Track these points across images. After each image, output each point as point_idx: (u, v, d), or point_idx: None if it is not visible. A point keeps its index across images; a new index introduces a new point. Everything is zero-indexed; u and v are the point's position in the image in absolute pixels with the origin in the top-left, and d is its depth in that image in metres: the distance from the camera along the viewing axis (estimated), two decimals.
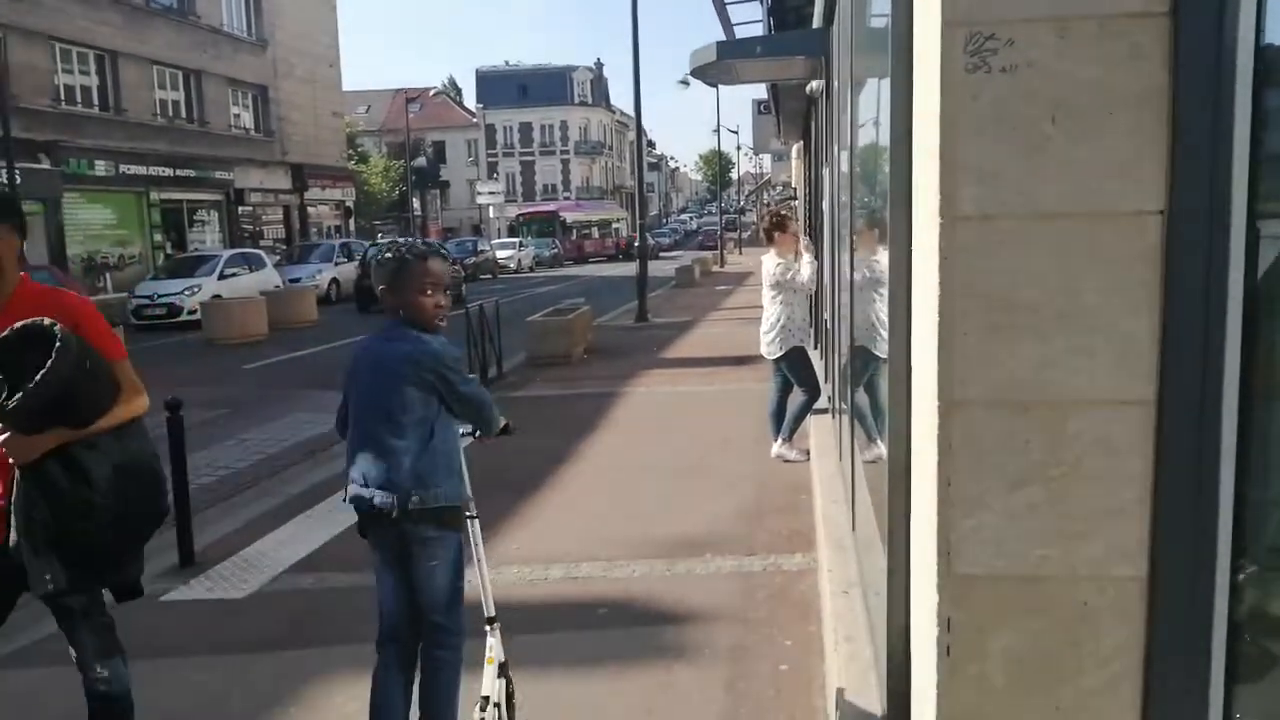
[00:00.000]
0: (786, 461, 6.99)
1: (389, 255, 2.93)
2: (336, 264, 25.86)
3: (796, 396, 7.07)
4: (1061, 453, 1.81)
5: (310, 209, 34.01)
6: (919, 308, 2.09)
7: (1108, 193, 1.76)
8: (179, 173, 27.21)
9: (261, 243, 30.93)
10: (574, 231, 51.79)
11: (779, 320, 6.97)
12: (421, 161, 53.04)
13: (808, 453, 6.83)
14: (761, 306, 7.25)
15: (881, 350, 3.96)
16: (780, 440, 7.11)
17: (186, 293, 20.70)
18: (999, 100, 1.77)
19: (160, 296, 20.79)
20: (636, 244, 20.35)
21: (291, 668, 4.00)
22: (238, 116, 30.63)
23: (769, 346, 7.07)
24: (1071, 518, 1.82)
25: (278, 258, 26.49)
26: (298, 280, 23.77)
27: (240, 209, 30.03)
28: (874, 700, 2.75)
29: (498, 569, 5.02)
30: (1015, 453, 1.83)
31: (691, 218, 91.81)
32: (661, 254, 47.80)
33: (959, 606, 1.87)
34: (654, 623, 4.28)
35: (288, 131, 32.12)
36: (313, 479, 7.31)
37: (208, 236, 29.09)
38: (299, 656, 4.12)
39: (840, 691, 2.96)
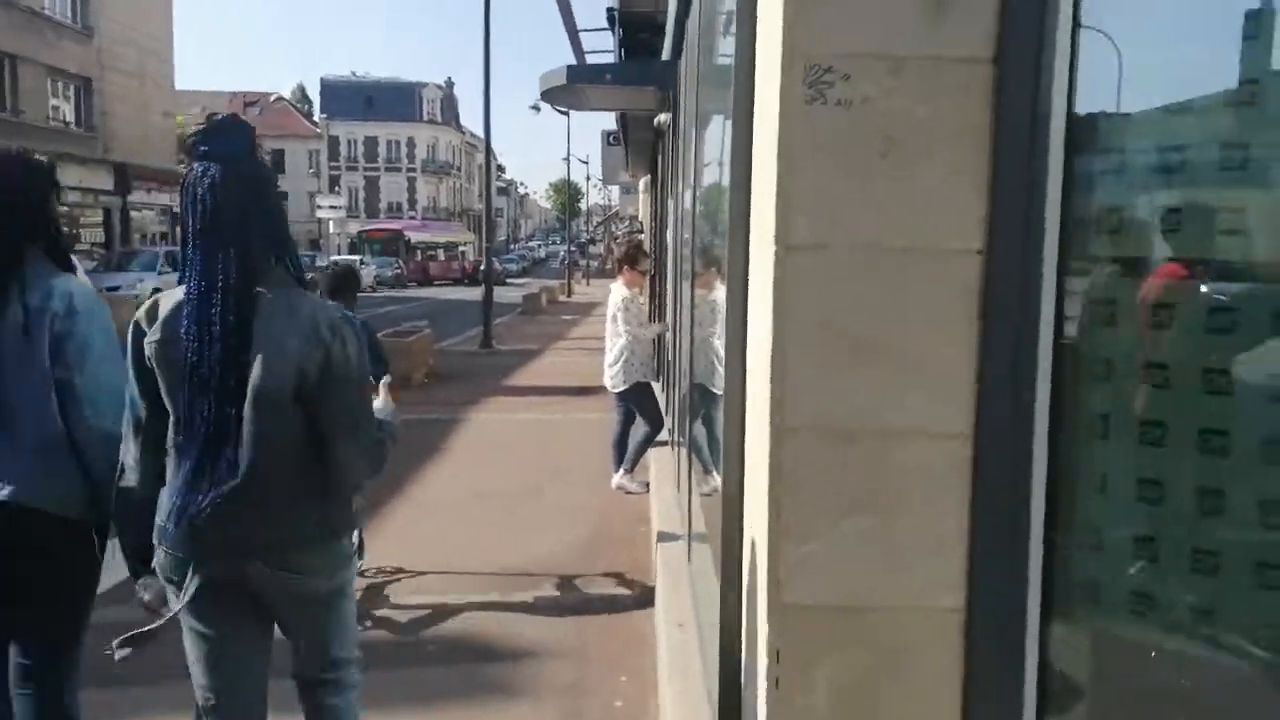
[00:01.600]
0: (627, 493, 6.98)
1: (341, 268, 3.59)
2: (160, 273, 24.42)
3: (639, 428, 7.08)
4: (886, 483, 1.84)
5: (134, 213, 31.99)
6: (754, 335, 2.10)
7: (932, 229, 1.80)
8: None
9: (79, 246, 28.92)
10: (419, 252, 50.77)
11: (623, 354, 6.98)
12: None
13: (648, 485, 6.84)
14: (605, 338, 7.26)
15: (719, 385, 4.01)
16: (621, 471, 7.10)
17: None
18: (834, 132, 1.80)
19: None
20: (483, 268, 20.09)
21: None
22: (57, 108, 28.62)
23: (613, 379, 7.06)
24: (896, 548, 1.84)
25: (94, 264, 24.82)
26: (116, 289, 22.29)
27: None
28: None
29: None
30: (844, 483, 1.84)
31: (540, 245, 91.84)
32: (509, 280, 47.47)
33: (787, 637, 1.87)
34: (487, 660, 4.15)
35: (112, 128, 30.17)
36: None
37: None
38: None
39: None
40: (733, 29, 2.58)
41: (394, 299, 33.69)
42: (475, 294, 21.48)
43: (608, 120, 19.10)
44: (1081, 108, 1.75)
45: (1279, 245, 1.60)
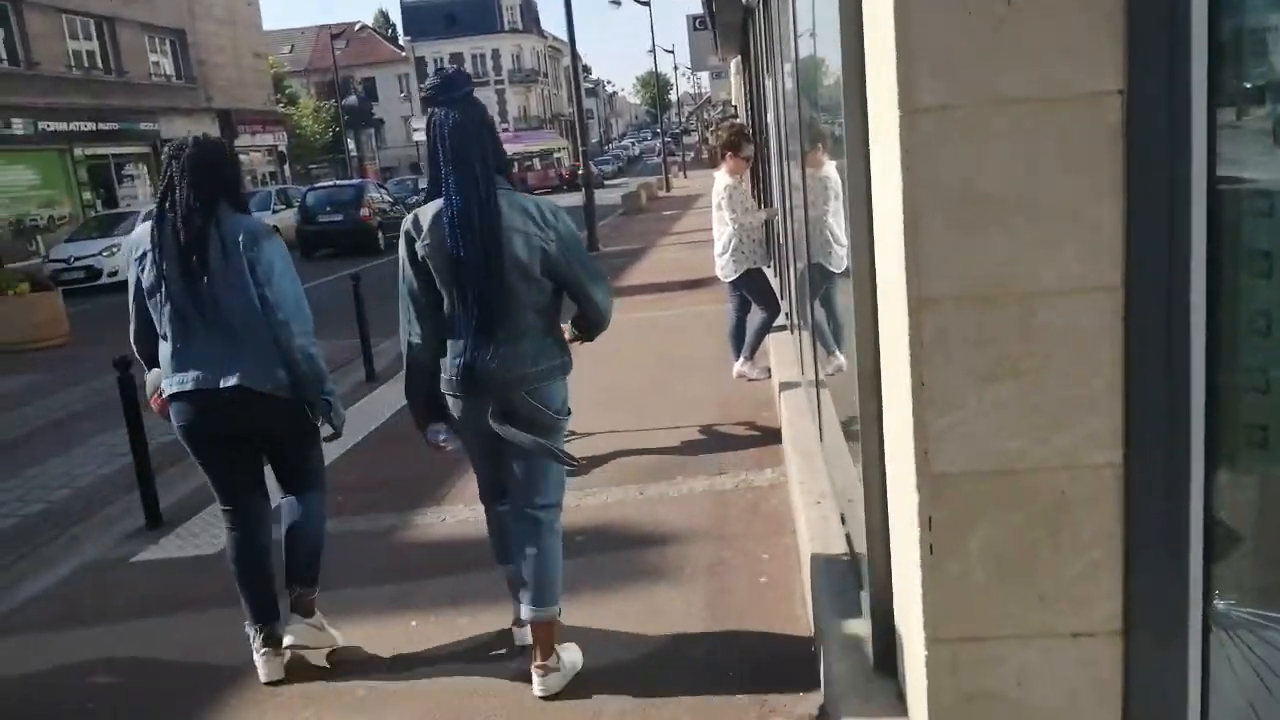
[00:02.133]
0: (749, 380, 7.01)
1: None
2: (274, 211, 25.22)
3: (755, 315, 7.06)
4: (1031, 345, 1.81)
5: (242, 156, 32.97)
6: (881, 207, 2.06)
7: (1068, 74, 1.72)
8: (102, 127, 26.20)
9: None
10: (515, 163, 50.67)
11: (731, 242, 6.91)
12: (353, 100, 51.72)
13: (769, 370, 6.85)
14: (711, 229, 7.18)
15: (836, 265, 3.95)
16: (741, 359, 7.12)
17: (105, 253, 19.09)
18: None
19: (77, 259, 19.31)
20: (580, 173, 20.04)
21: None
22: (157, 64, 29.44)
23: (724, 268, 7.01)
24: (1045, 409, 1.82)
25: None
26: None
27: None
28: (855, 605, 2.79)
29: (473, 504, 5.01)
30: (986, 347, 1.82)
31: (633, 143, 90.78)
32: (606, 182, 47.27)
33: (939, 505, 1.88)
34: (632, 546, 4.30)
35: (210, 76, 30.96)
36: None
37: (139, 191, 28.16)
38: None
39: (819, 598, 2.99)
40: None
41: None
42: (575, 199, 21.46)
43: (692, 4, 18.54)
44: None
45: None
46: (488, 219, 2.86)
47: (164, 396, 3.31)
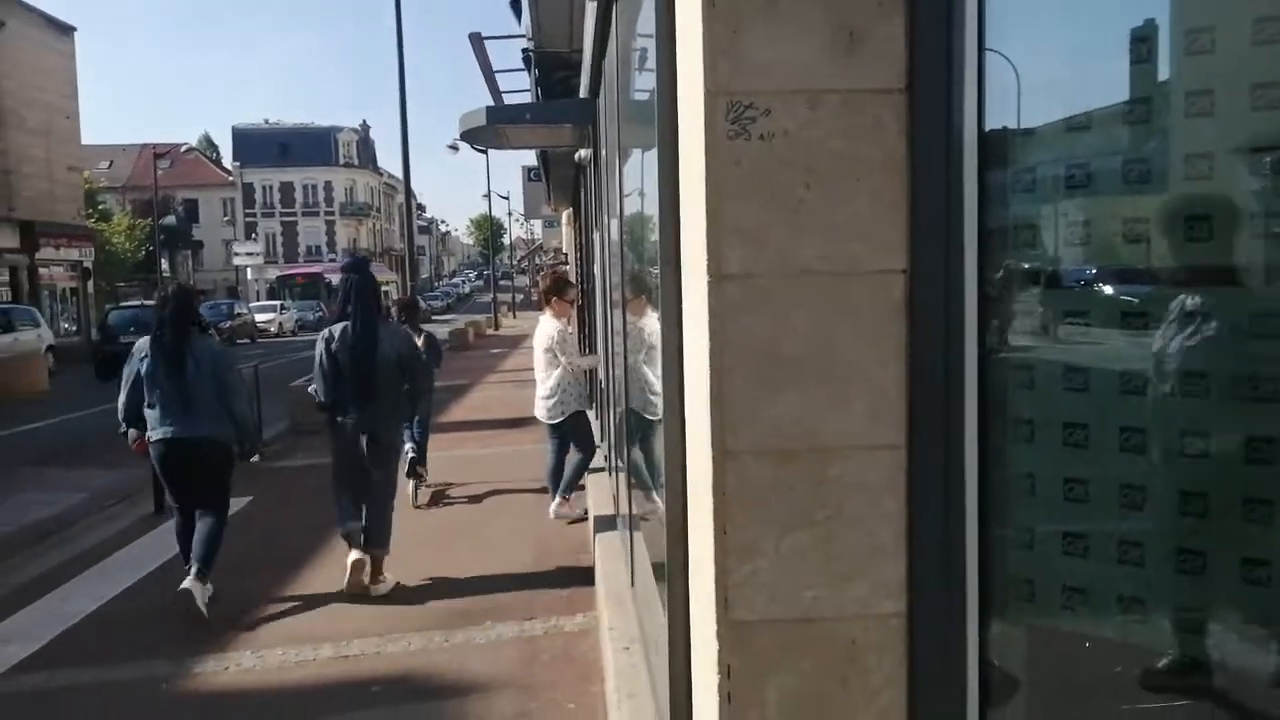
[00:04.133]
0: (567, 521, 6.99)
1: (407, 299, 9.59)
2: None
3: (573, 455, 7.11)
4: (825, 498, 1.91)
5: (42, 269, 31.02)
6: (690, 363, 2.16)
7: (857, 253, 1.89)
8: None
9: None
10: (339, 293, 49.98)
11: (560, 385, 7.00)
12: (171, 220, 49.97)
13: (585, 512, 6.86)
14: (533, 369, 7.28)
15: (653, 411, 4.07)
16: (558, 499, 7.11)
17: None
18: (758, 166, 1.87)
19: None
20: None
21: None
22: None
23: (550, 411, 7.06)
24: (838, 559, 1.91)
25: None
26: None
27: None
28: None
29: (260, 652, 4.69)
30: (784, 499, 1.90)
31: (463, 281, 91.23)
32: (434, 317, 47.07)
33: (737, 653, 1.91)
34: (432, 697, 4.12)
35: (17, 186, 29.30)
36: (42, 566, 6.60)
37: None
38: None
39: None
40: (650, 66, 2.67)
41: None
42: None
43: (528, 156, 19.15)
44: (991, 124, 1.86)
45: (1176, 250, 1.72)
46: (370, 337, 5.63)
47: (149, 441, 5.49)
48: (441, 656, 4.55)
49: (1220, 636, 1.69)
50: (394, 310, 8.83)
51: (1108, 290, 1.83)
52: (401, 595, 5.48)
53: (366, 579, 5.55)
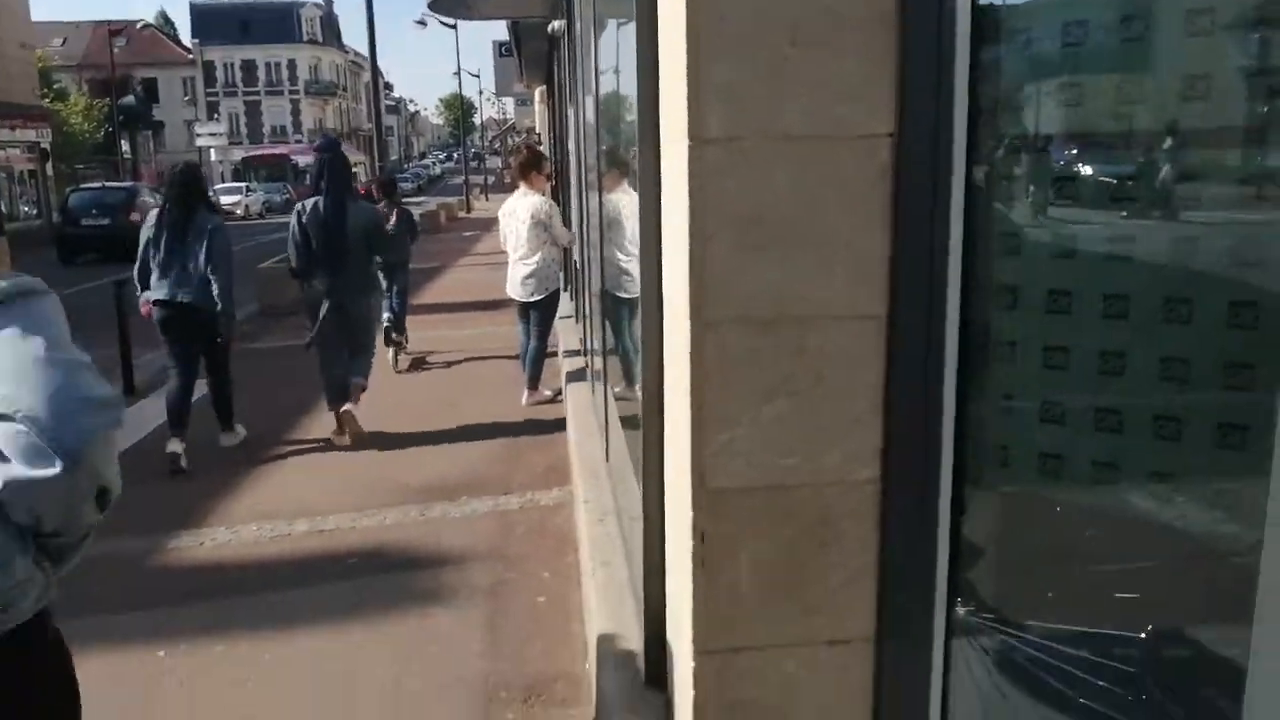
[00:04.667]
0: (539, 403, 7.02)
1: (385, 176, 10.62)
2: None
3: (533, 342, 7.08)
4: (804, 367, 1.89)
5: None
6: (669, 231, 2.11)
7: (843, 115, 1.83)
8: None
9: None
10: (307, 175, 49.01)
11: (545, 261, 6.94)
12: (130, 100, 48.24)
13: (558, 391, 6.89)
14: (506, 252, 7.19)
15: (628, 289, 4.03)
16: (527, 393, 7.12)
17: None
18: (743, 22, 1.79)
19: None
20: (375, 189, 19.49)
21: None
22: None
23: (533, 288, 6.98)
24: (815, 428, 1.91)
25: None
26: None
27: None
28: (630, 620, 2.82)
29: (235, 527, 4.73)
30: (763, 369, 1.89)
31: (434, 163, 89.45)
32: (404, 200, 46.22)
33: (713, 520, 1.93)
34: (409, 568, 4.19)
35: None
36: None
37: None
38: None
39: (596, 613, 3.01)
40: None
41: (284, 225, 32.51)
42: None
43: (499, 30, 18.54)
44: None
45: (1164, 120, 1.68)
46: (341, 209, 6.12)
47: (151, 302, 5.92)
48: (417, 530, 4.61)
49: (1190, 504, 1.72)
50: (373, 189, 9.72)
51: (1101, 157, 1.80)
52: (376, 469, 5.51)
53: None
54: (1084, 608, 1.86)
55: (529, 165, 7.10)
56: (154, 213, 6.17)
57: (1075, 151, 1.82)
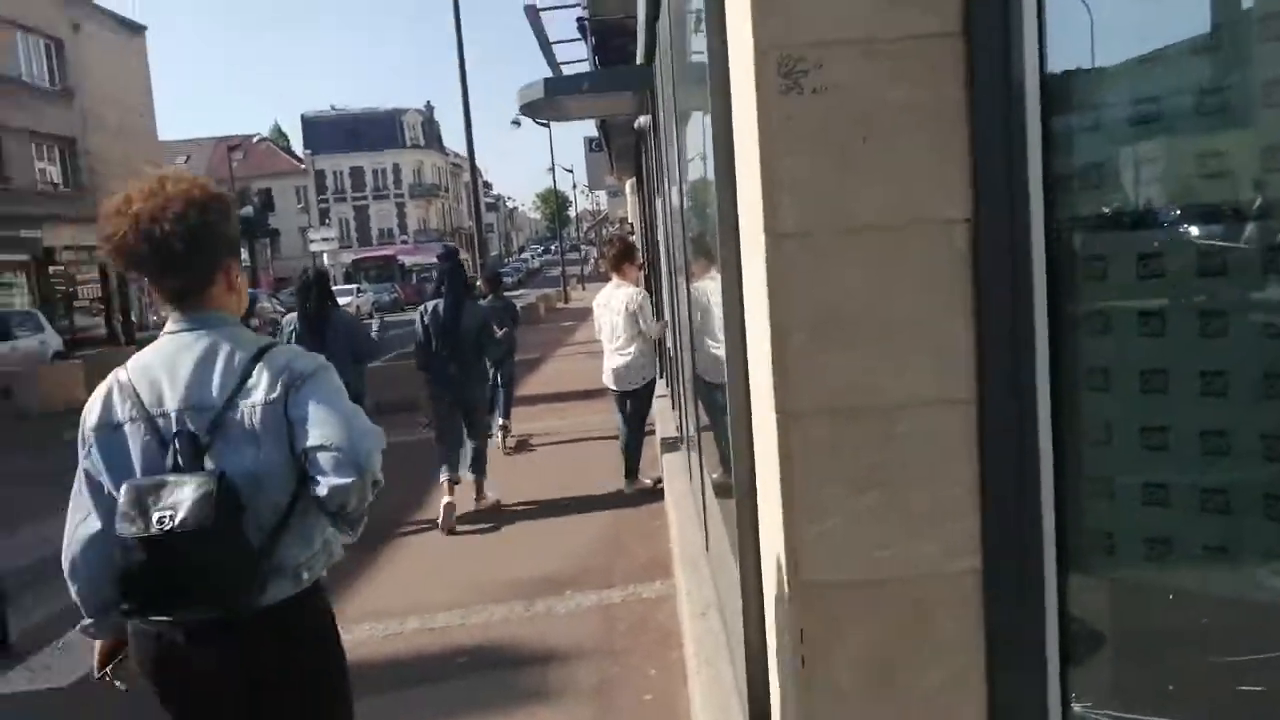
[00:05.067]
0: (641, 490, 7.04)
1: (491, 272, 11.18)
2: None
3: (625, 432, 7.15)
4: (894, 456, 1.87)
5: None
6: (752, 324, 2.13)
7: (920, 204, 1.84)
8: None
9: (76, 303, 29.01)
10: (414, 275, 50.91)
11: (641, 351, 7.06)
12: (249, 211, 51.00)
13: (658, 480, 6.89)
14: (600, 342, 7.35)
15: (719, 376, 4.04)
16: (628, 482, 7.15)
17: None
18: (812, 120, 1.83)
19: None
20: (479, 284, 20.09)
21: None
22: (44, 171, 28.72)
23: (630, 377, 7.09)
24: (908, 517, 1.87)
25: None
26: None
27: (51, 269, 28.05)
28: (737, 718, 2.77)
29: (349, 627, 4.83)
30: (852, 458, 1.88)
31: (532, 256, 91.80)
32: (506, 293, 47.44)
33: (809, 615, 1.90)
34: (516, 666, 4.19)
35: (101, 185, 30.23)
36: None
37: (15, 299, 27.05)
38: None
39: (701, 713, 2.96)
40: (703, 27, 2.62)
41: (394, 323, 33.70)
42: None
43: (589, 127, 19.12)
44: (1055, 67, 1.79)
45: (1255, 184, 1.63)
46: (458, 311, 6.93)
47: None
48: (523, 627, 4.63)
49: None
50: (481, 284, 10.54)
51: (1187, 230, 1.76)
52: (483, 561, 5.56)
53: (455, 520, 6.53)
54: (1209, 701, 1.75)
55: (622, 257, 7.26)
56: (290, 315, 6.94)
57: (1161, 223, 1.79)
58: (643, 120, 8.88)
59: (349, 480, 2.05)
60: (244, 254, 47.26)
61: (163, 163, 37.39)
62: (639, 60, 7.41)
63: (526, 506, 6.93)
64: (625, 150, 13.04)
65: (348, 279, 49.90)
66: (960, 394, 1.85)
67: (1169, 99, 1.73)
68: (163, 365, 2.16)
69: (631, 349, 7.09)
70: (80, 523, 2.17)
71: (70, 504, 2.19)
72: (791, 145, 1.84)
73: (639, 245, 9.38)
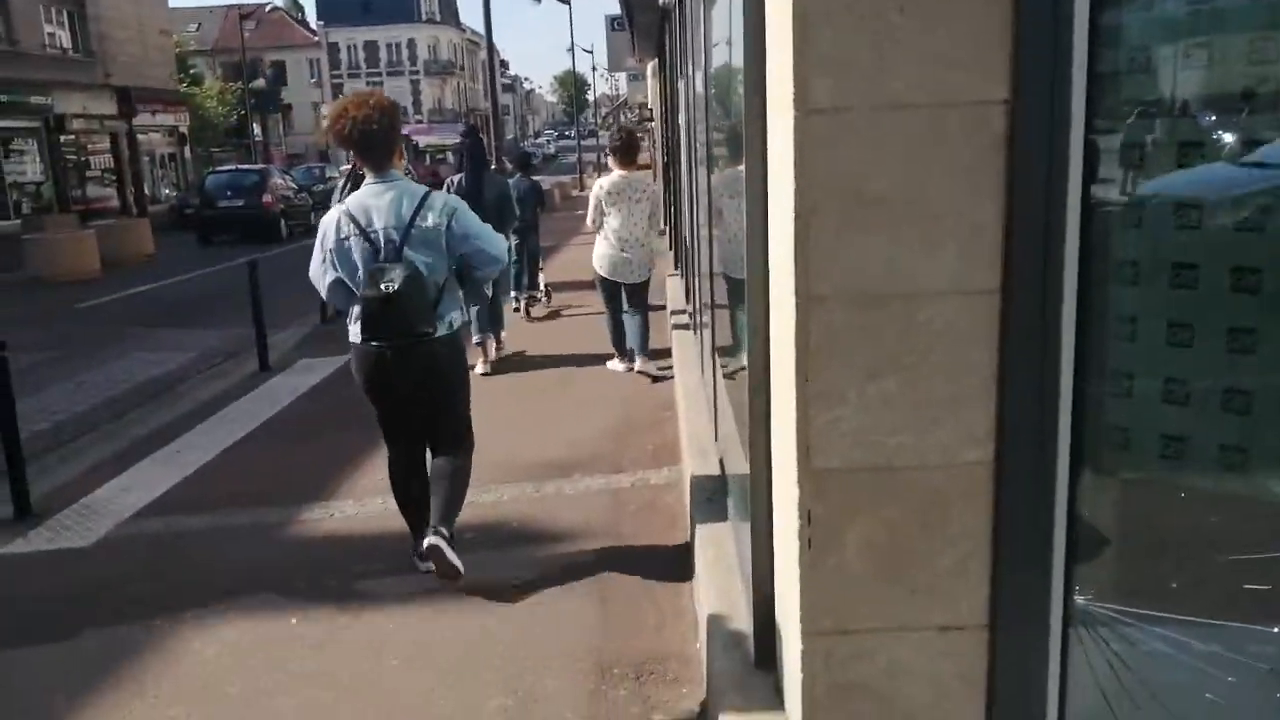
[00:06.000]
0: (652, 377, 7.08)
1: (520, 153, 11.23)
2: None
3: (635, 316, 7.30)
4: (913, 343, 1.84)
5: (141, 136, 31.66)
6: (775, 205, 2.08)
7: (954, 83, 1.76)
8: None
9: (88, 173, 28.81)
10: (428, 156, 50.26)
11: (650, 242, 7.18)
12: (260, 83, 50.04)
13: (663, 370, 6.99)
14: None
15: (736, 267, 3.99)
16: (644, 359, 7.19)
17: None
18: None
19: None
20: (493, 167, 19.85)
21: (142, 615, 3.82)
22: (53, 35, 28.11)
23: (642, 269, 7.17)
24: (923, 406, 1.86)
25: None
26: None
27: (62, 137, 27.73)
28: (739, 599, 2.82)
29: (362, 500, 4.91)
30: (870, 345, 1.85)
31: (548, 141, 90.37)
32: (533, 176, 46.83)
33: (819, 500, 1.90)
34: (524, 544, 4.27)
35: (111, 51, 29.64)
36: (157, 421, 6.96)
37: (27, 168, 26.85)
38: (150, 603, 3.93)
39: (705, 592, 3.01)
40: None
41: None
42: None
43: (611, 4, 18.53)
44: None
45: None
46: (479, 183, 7.49)
47: None
48: (532, 506, 4.70)
49: None
50: (509, 163, 11.26)
51: (1228, 123, 1.69)
52: (490, 449, 5.63)
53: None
54: (1213, 599, 1.76)
55: (633, 149, 7.32)
56: (456, 175, 7.97)
57: (1204, 117, 1.71)
58: None
59: (495, 266, 3.91)
60: (255, 129, 46.70)
61: (173, 31, 36.67)
62: None
63: (533, 391, 6.97)
64: (648, 29, 12.65)
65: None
66: (986, 283, 1.81)
67: None
68: (370, 202, 3.70)
69: (650, 239, 7.21)
70: (325, 276, 3.75)
71: (313, 269, 3.80)
72: (826, 16, 1.76)
73: (658, 130, 9.26)
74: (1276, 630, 1.67)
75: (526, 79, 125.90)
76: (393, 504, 4.14)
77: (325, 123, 3.96)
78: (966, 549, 1.88)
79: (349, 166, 6.43)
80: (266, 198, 22.54)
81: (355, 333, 3.68)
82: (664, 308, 8.67)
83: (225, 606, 3.80)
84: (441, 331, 3.68)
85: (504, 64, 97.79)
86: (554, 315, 10.33)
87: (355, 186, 6.54)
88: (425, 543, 3.68)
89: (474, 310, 7.20)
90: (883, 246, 1.82)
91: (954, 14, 1.74)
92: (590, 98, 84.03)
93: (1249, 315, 1.58)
